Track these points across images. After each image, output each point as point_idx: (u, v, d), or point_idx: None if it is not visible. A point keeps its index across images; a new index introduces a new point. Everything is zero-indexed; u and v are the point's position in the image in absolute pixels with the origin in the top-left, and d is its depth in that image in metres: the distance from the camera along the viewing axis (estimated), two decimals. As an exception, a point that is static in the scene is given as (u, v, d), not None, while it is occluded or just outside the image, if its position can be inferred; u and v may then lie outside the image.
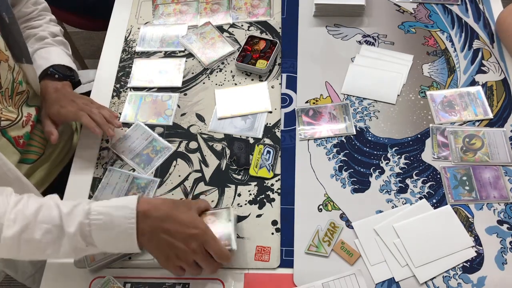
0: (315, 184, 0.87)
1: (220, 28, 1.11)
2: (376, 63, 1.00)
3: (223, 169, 0.91)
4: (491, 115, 0.92)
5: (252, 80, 1.02)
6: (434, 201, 0.84)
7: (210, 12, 1.14)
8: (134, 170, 0.91)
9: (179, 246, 0.72)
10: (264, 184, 0.88)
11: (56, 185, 1.01)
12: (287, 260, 0.80)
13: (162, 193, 0.88)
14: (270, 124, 0.95)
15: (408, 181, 0.86)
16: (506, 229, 0.80)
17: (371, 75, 0.99)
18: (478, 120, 0.92)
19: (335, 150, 0.91)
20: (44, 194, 0.97)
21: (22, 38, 0.93)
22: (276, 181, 0.88)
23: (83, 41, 2.12)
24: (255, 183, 0.88)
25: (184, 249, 0.72)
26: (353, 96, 0.97)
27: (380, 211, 0.83)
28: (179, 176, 0.90)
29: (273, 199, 0.86)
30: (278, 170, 0.89)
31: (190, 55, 1.07)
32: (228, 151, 0.92)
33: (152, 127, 0.97)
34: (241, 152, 0.92)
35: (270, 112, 0.97)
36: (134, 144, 0.95)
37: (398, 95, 0.96)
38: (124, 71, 1.06)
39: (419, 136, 0.91)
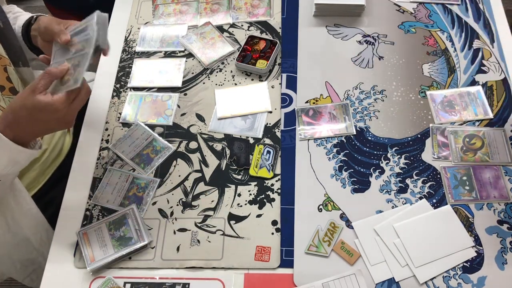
0: (315, 184, 0.87)
1: (220, 28, 1.11)
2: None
3: (223, 169, 0.91)
4: (491, 115, 0.92)
5: (252, 80, 1.02)
6: (434, 201, 0.84)
7: (210, 12, 1.14)
8: (134, 170, 0.92)
9: (53, 120, 0.76)
10: (264, 184, 0.88)
11: (49, 186, 1.01)
12: (287, 260, 0.80)
13: (162, 193, 0.88)
14: (270, 124, 0.95)
15: (408, 181, 0.86)
16: (506, 229, 0.80)
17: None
18: (478, 120, 0.92)
19: (335, 150, 0.91)
20: (37, 195, 0.98)
21: (18, 42, 0.92)
22: (276, 181, 0.88)
23: (83, 41, 2.12)
24: (255, 183, 0.88)
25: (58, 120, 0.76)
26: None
27: (380, 211, 0.83)
28: (179, 176, 0.90)
29: (273, 199, 0.86)
30: (278, 170, 0.89)
31: (190, 55, 1.07)
32: (228, 151, 0.92)
33: (152, 127, 0.97)
34: (241, 152, 0.92)
35: (270, 112, 0.97)
36: (134, 144, 0.95)
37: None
38: (124, 71, 1.06)
39: (419, 136, 0.91)
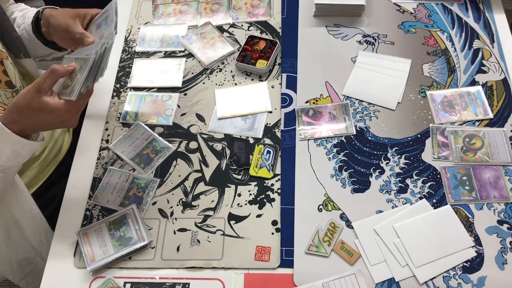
0: (315, 184, 0.87)
1: (220, 28, 1.11)
2: (376, 68, 1.00)
3: (223, 169, 0.91)
4: (491, 115, 0.92)
5: (252, 80, 1.02)
6: (434, 201, 0.84)
7: (210, 12, 1.14)
8: (134, 170, 0.92)
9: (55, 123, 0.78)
10: (264, 184, 0.88)
11: (49, 185, 1.01)
12: (287, 260, 0.80)
13: (162, 193, 0.88)
14: (270, 124, 0.95)
15: (408, 181, 0.86)
16: (506, 229, 0.80)
17: (374, 78, 0.99)
18: (478, 120, 0.92)
19: (335, 150, 0.91)
20: (37, 193, 0.98)
21: (17, 33, 0.93)
22: (276, 181, 0.88)
23: (83, 41, 2.11)
24: (255, 183, 0.88)
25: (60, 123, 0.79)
26: (354, 98, 0.97)
27: (380, 211, 0.83)
28: (179, 176, 0.90)
29: (273, 199, 0.86)
30: (278, 170, 0.89)
31: (190, 55, 1.07)
32: (228, 151, 0.92)
33: (152, 127, 0.97)
34: (241, 152, 0.92)
35: (270, 112, 0.97)
36: (134, 144, 0.95)
37: (399, 102, 0.95)
38: (124, 71, 1.06)
39: (419, 136, 0.91)
